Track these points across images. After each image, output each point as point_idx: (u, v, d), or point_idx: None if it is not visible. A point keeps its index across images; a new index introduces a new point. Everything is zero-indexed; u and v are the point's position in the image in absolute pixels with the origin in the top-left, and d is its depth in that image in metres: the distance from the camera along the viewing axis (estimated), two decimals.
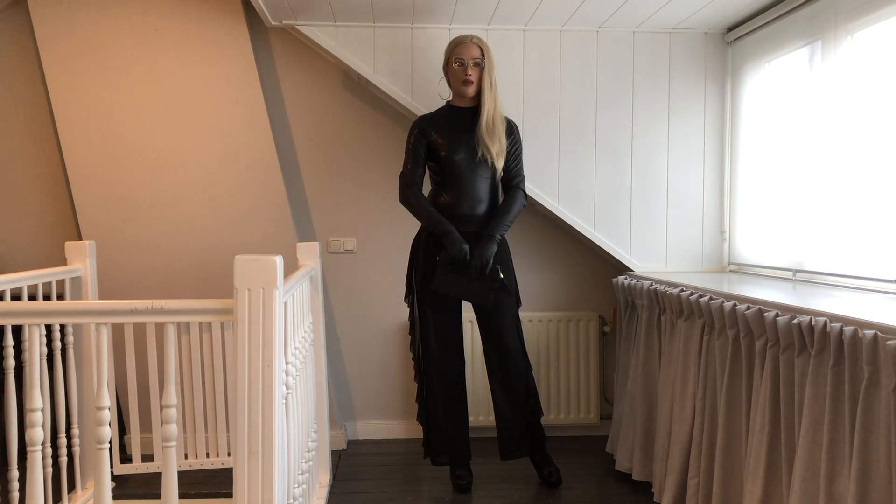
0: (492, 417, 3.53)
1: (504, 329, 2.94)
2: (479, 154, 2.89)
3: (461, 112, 2.97)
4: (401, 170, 3.01)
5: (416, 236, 3.03)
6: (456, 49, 2.90)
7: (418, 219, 2.97)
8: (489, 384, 3.06)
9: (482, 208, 2.94)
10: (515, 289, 3.01)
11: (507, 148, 2.94)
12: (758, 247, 3.20)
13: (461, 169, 2.91)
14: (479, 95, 2.92)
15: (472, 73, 2.88)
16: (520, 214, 3.58)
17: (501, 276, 2.87)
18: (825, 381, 1.89)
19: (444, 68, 2.99)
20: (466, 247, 2.85)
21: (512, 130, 2.99)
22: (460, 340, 3.05)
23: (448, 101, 3.03)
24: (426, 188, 3.06)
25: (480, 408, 3.59)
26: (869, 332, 1.71)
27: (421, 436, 3.07)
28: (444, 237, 2.87)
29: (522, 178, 3.00)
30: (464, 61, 2.87)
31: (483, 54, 2.89)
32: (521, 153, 3.01)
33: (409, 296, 3.04)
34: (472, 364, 3.53)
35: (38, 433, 1.76)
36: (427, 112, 3.13)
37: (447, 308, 2.99)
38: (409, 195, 2.95)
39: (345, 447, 3.55)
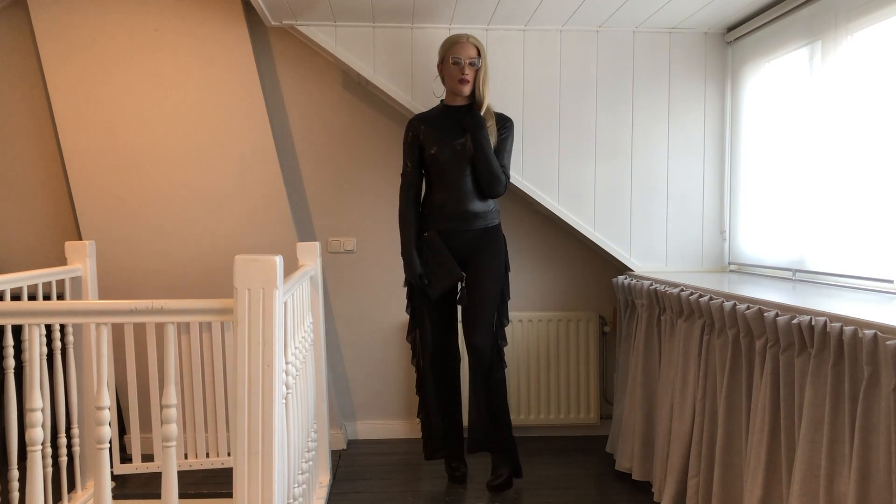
0: None
1: (476, 323, 2.91)
2: (466, 149, 2.87)
3: (454, 111, 2.96)
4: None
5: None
6: (452, 48, 2.89)
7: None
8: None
9: (472, 205, 2.93)
10: (501, 285, 2.98)
11: (496, 139, 2.92)
12: (758, 247, 3.20)
13: (446, 166, 2.90)
14: (472, 94, 2.93)
15: (469, 73, 2.88)
16: (518, 214, 3.59)
17: (463, 285, 2.96)
18: (825, 381, 1.89)
19: (438, 66, 2.99)
20: (420, 272, 2.93)
21: (505, 125, 2.96)
22: (455, 338, 3.06)
23: (442, 100, 3.03)
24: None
25: None
26: (869, 332, 1.71)
27: (420, 435, 3.08)
28: (403, 257, 2.97)
29: (506, 168, 2.95)
30: (460, 61, 2.87)
31: (479, 53, 2.89)
32: (509, 148, 2.97)
33: (408, 294, 3.06)
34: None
35: (38, 433, 1.76)
36: (415, 115, 3.13)
37: (443, 307, 3.01)
38: (402, 200, 3.00)
39: (345, 447, 3.55)
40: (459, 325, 3.11)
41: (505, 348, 3.04)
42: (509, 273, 3.05)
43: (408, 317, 3.05)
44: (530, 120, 3.30)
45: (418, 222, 3.00)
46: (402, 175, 3.01)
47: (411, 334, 3.08)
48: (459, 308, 3.06)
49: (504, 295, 3.01)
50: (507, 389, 3.03)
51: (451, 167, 2.91)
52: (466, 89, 2.90)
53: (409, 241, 2.96)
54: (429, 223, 2.97)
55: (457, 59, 2.87)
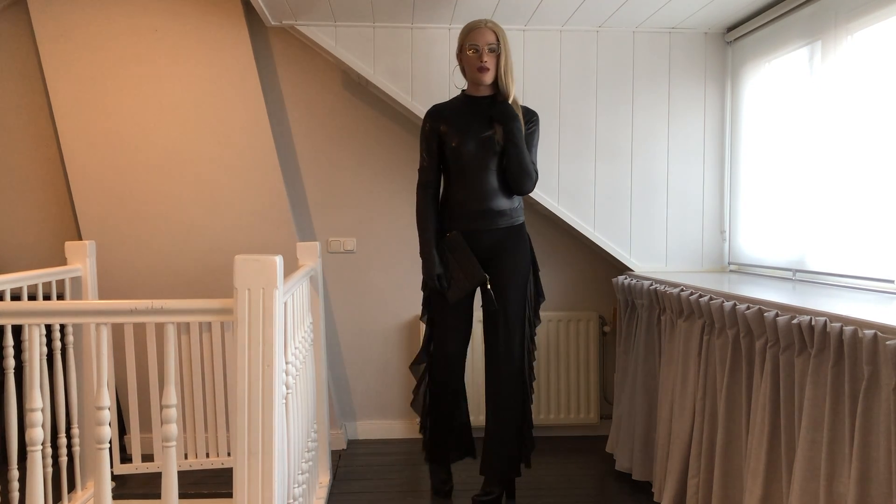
0: (482, 417, 3.46)
1: (499, 330, 2.76)
2: (494, 142, 2.71)
3: (476, 101, 2.79)
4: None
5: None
6: (470, 35, 2.73)
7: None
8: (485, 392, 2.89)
9: (496, 203, 2.76)
10: (527, 287, 2.82)
11: (524, 134, 2.76)
12: (758, 247, 3.20)
13: (470, 160, 2.73)
14: (495, 83, 2.76)
15: (488, 60, 2.70)
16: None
17: (489, 287, 2.78)
18: (825, 381, 1.89)
19: (457, 55, 2.83)
20: (439, 272, 2.78)
21: (532, 119, 2.81)
22: (463, 346, 2.91)
23: (463, 90, 2.88)
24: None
25: (481, 408, 3.58)
26: (869, 332, 1.71)
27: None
28: (422, 256, 2.82)
29: (534, 164, 2.80)
30: (478, 47, 2.70)
31: (498, 39, 2.72)
32: (536, 143, 2.82)
33: (424, 301, 2.93)
34: (473, 364, 3.52)
35: (38, 433, 1.76)
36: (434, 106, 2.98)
37: (459, 313, 2.86)
38: (419, 197, 2.84)
39: (345, 447, 3.55)
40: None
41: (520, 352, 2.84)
42: (539, 272, 2.89)
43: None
44: None
45: (439, 221, 2.84)
46: (420, 171, 2.86)
47: (426, 346, 2.93)
48: (479, 313, 2.90)
49: (537, 295, 2.86)
50: (531, 404, 2.84)
51: (474, 162, 2.74)
52: (487, 77, 2.72)
53: (430, 241, 2.79)
54: (449, 223, 2.81)
55: (475, 46, 2.71)
